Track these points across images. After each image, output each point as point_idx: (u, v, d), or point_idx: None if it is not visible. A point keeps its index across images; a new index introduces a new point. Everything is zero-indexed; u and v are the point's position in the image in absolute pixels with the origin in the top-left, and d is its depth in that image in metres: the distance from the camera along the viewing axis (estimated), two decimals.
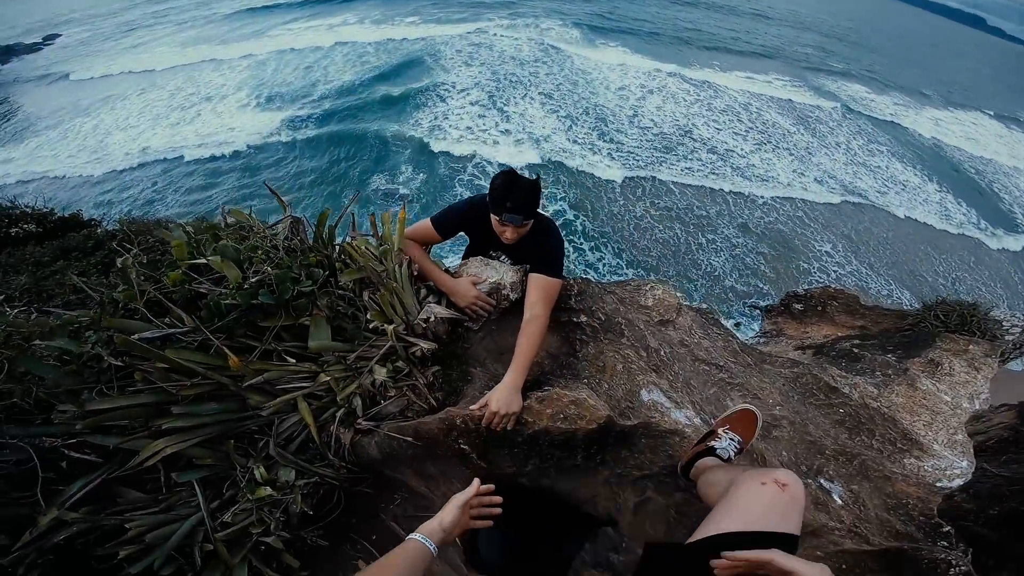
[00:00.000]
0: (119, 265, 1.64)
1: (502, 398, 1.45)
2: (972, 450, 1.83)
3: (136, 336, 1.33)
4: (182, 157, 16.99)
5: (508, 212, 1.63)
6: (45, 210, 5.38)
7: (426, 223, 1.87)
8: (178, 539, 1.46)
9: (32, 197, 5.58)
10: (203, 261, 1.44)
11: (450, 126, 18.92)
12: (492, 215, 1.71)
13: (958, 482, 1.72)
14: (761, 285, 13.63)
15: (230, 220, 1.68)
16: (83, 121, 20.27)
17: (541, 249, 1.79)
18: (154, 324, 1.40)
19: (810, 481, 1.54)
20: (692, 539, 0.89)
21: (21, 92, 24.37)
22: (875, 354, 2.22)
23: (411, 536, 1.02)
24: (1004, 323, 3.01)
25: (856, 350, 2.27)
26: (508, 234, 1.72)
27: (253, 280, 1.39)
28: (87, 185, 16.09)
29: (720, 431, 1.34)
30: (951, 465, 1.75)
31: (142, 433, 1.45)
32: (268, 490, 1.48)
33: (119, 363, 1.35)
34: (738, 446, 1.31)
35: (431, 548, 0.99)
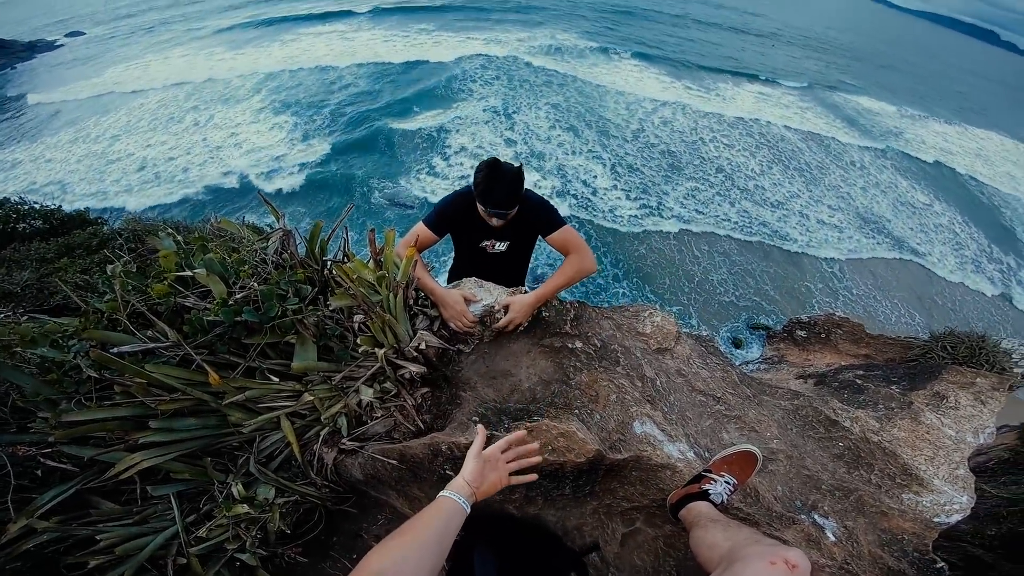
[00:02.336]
0: (109, 273, 1.62)
1: (521, 310, 1.72)
2: (973, 485, 1.78)
3: (116, 349, 1.31)
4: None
5: (493, 208, 1.73)
6: (52, 207, 5.45)
7: (420, 227, 1.87)
8: (150, 551, 1.42)
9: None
10: (190, 274, 1.41)
11: (459, 129, 19.07)
12: (478, 204, 1.78)
13: (956, 517, 1.68)
14: (764, 303, 13.50)
15: (220, 230, 1.66)
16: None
17: (537, 217, 1.88)
18: (136, 337, 1.37)
19: (803, 517, 1.48)
20: None
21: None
22: (879, 385, 2.15)
23: (442, 494, 0.96)
24: (1013, 355, 2.93)
25: (859, 381, 2.20)
26: (495, 222, 1.82)
27: (239, 296, 1.36)
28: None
29: (715, 474, 1.28)
30: (950, 500, 1.70)
31: (119, 446, 1.42)
32: (245, 507, 1.44)
33: (97, 375, 1.32)
34: (732, 488, 1.26)
35: (463, 504, 0.94)
